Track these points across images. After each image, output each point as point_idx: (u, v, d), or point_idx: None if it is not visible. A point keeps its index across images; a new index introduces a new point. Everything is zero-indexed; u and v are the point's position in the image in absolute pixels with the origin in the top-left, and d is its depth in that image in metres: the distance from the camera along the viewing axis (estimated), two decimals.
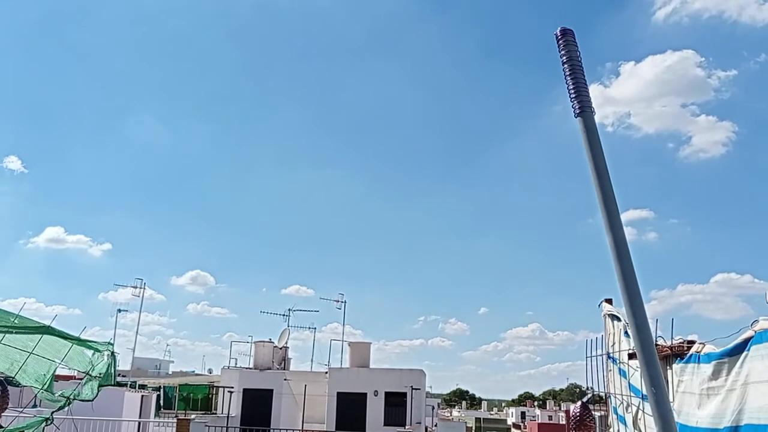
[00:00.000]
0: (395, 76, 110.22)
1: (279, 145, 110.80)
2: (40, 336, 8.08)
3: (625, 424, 8.06)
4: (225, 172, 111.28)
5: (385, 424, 22.90)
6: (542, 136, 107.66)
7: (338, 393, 24.16)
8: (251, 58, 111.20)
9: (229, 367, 28.03)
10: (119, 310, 35.50)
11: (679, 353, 6.36)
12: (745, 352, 4.90)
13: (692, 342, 6.21)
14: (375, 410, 23.96)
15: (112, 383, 8.84)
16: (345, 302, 31.13)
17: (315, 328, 31.27)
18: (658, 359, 3.26)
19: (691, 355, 6.02)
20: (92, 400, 8.92)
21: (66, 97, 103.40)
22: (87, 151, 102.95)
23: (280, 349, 28.28)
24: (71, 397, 8.81)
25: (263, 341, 27.64)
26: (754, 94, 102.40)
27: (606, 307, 8.96)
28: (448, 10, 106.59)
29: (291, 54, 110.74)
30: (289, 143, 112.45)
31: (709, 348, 5.70)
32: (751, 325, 4.84)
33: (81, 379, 9.51)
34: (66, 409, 9.21)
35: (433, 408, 46.19)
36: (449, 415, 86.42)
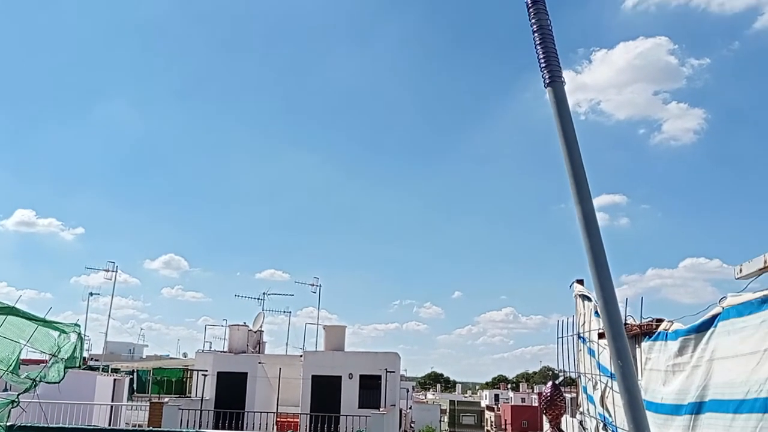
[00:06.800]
0: (369, 62, 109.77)
1: (253, 129, 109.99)
2: (4, 317, 7.91)
3: (594, 404, 8.14)
4: (199, 156, 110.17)
5: (359, 407, 22.95)
6: (514, 121, 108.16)
7: (313, 376, 24.15)
8: (225, 42, 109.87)
9: (203, 350, 27.84)
10: (91, 294, 34.98)
11: (648, 332, 6.41)
12: (711, 329, 4.94)
13: (661, 320, 6.26)
14: (349, 393, 24.01)
15: (79, 365, 8.71)
16: (320, 286, 31.07)
17: (290, 312, 31.20)
18: (627, 337, 3.25)
19: (660, 332, 6.07)
20: (59, 383, 8.78)
21: (36, 78, 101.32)
22: (59, 133, 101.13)
23: (255, 332, 28.16)
24: (37, 379, 8.66)
25: (238, 325, 27.48)
26: (727, 82, 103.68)
27: (577, 287, 9.02)
28: None
29: (265, 38, 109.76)
30: (264, 127, 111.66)
31: (677, 326, 5.74)
32: (719, 301, 4.87)
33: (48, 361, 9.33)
34: (33, 392, 9.04)
35: (408, 391, 46.53)
36: (424, 397, 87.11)
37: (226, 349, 27.18)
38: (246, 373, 24.78)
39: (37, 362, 16.95)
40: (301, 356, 25.79)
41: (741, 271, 4.55)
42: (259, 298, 30.37)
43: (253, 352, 26.88)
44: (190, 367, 31.39)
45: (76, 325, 8.40)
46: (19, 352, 8.72)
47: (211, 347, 29.10)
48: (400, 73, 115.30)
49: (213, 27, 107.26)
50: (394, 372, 24.52)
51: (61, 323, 8.36)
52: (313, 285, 31.00)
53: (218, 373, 24.66)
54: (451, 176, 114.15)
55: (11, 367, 8.54)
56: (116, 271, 34.11)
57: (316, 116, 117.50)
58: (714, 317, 4.90)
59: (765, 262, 4.33)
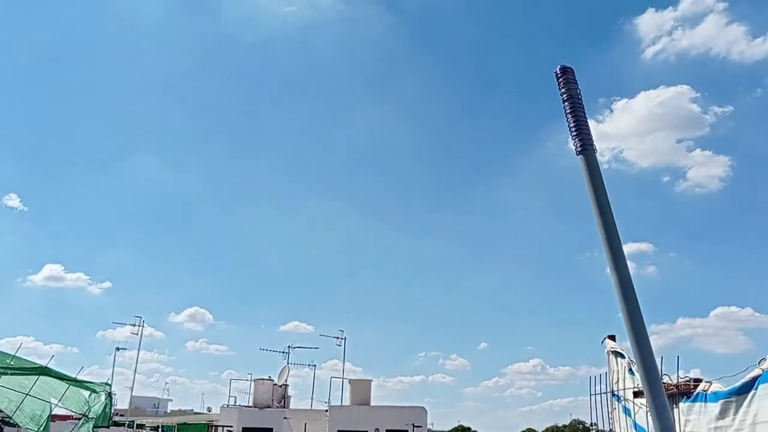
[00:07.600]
0: (390, 113, 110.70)
1: (276, 181, 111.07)
2: (37, 376, 7.99)
3: None
4: (223, 209, 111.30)
5: None
6: (537, 170, 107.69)
7: (339, 431, 23.79)
8: (248, 96, 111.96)
9: (228, 405, 27.65)
10: (118, 348, 35.25)
11: (685, 392, 6.26)
12: (752, 391, 4.82)
13: (699, 380, 6.13)
14: None
15: (107, 425, 8.74)
16: (345, 339, 30.86)
17: (315, 365, 30.94)
18: (667, 401, 3.19)
19: (698, 393, 5.93)
20: None
21: (66, 134, 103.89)
22: (87, 188, 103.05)
23: (280, 386, 27.94)
24: None
25: (263, 379, 27.33)
26: (751, 128, 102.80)
27: (609, 343, 8.88)
28: (440, 49, 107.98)
29: (287, 92, 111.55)
30: (287, 179, 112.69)
31: (716, 386, 5.62)
32: (758, 363, 4.77)
33: (78, 418, 9.40)
34: None
35: None
36: None
37: (250, 404, 26.96)
38: (271, 429, 24.53)
39: (65, 417, 16.95)
40: (326, 411, 25.47)
41: None
42: (283, 352, 30.25)
43: (278, 407, 26.62)
44: (214, 423, 31.12)
45: (107, 384, 8.45)
46: (50, 412, 8.76)
47: (236, 401, 28.93)
48: (423, 121, 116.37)
49: (237, 80, 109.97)
50: (421, 426, 24.07)
51: (92, 383, 8.42)
52: (338, 338, 30.84)
53: (243, 428, 24.43)
54: (475, 225, 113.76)
55: (41, 427, 8.59)
56: (143, 326, 34.37)
57: (337, 168, 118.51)
58: (754, 379, 4.79)
59: None
